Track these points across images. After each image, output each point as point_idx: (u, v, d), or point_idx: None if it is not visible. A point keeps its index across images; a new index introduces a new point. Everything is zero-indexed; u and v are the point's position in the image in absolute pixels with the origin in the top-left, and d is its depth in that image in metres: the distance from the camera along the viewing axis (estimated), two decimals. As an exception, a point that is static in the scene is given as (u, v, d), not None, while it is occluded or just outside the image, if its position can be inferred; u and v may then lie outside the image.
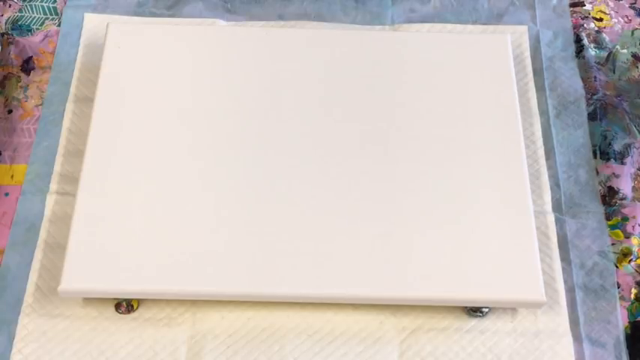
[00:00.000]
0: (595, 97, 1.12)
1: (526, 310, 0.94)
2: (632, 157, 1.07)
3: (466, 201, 0.95)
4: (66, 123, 1.06)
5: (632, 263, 0.99)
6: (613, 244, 1.01)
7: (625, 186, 1.05)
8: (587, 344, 0.93)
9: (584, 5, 1.22)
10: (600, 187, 1.05)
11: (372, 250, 0.91)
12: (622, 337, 0.94)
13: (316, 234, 0.92)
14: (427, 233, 0.93)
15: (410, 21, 1.18)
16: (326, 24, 1.17)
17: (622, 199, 1.04)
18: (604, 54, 1.17)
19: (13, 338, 0.91)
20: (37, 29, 1.15)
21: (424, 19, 1.18)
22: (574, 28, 1.19)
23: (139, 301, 0.93)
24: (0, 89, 1.10)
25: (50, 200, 1.00)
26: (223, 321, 0.93)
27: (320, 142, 0.99)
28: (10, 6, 1.17)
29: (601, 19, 1.20)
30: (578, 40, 1.18)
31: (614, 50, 1.17)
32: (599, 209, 1.03)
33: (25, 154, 1.04)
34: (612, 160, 1.07)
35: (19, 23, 1.15)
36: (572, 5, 1.21)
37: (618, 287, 0.98)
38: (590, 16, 1.20)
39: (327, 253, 0.91)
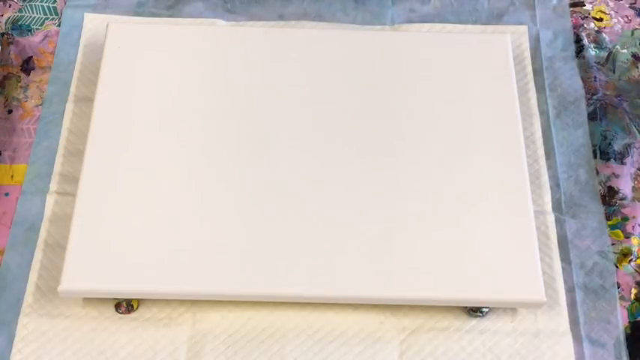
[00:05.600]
0: (595, 97, 1.12)
1: (526, 310, 0.94)
2: (632, 157, 1.07)
3: (466, 201, 0.95)
4: (66, 123, 1.06)
5: (632, 263, 0.99)
6: (613, 244, 1.01)
7: (625, 186, 1.05)
8: (587, 344, 0.93)
9: (584, 5, 1.22)
10: (600, 187, 1.05)
11: (372, 250, 0.91)
12: (622, 337, 0.94)
13: (316, 234, 0.92)
14: (427, 233, 0.93)
15: (410, 21, 1.18)
16: (326, 24, 1.17)
17: (622, 199, 1.04)
18: (604, 54, 1.17)
19: (13, 338, 0.91)
20: (37, 29, 1.15)
21: (424, 19, 1.18)
22: (574, 28, 1.19)
23: (139, 301, 0.93)
24: (0, 89, 1.09)
25: (50, 200, 1.00)
26: (223, 321, 0.93)
27: (320, 142, 0.99)
28: (10, 6, 1.17)
29: (601, 19, 1.20)
30: (578, 40, 1.18)
31: (614, 50, 1.17)
32: (599, 209, 1.03)
33: (25, 154, 1.04)
34: (612, 160, 1.07)
35: (19, 23, 1.15)
36: (572, 5, 1.21)
37: (618, 287, 0.98)
38: (590, 16, 1.20)
39: (327, 253, 0.91)
